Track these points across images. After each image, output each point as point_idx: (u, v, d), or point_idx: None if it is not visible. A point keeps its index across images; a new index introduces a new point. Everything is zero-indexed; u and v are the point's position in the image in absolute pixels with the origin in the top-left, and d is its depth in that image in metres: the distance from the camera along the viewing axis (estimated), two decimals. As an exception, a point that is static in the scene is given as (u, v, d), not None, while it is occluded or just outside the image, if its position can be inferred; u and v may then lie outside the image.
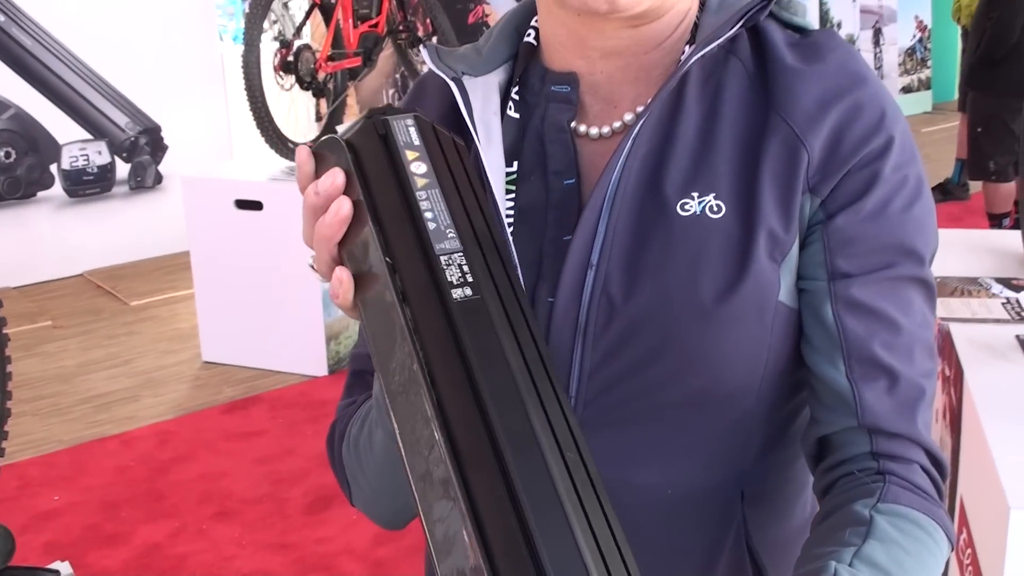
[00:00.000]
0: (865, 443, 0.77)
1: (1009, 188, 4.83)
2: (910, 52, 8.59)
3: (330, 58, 4.17)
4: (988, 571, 1.99)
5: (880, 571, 0.68)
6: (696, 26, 0.82)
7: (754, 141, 0.78)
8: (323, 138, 0.69)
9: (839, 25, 8.09)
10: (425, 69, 0.89)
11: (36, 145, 5.31)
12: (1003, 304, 2.64)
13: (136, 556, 2.95)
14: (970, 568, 2.16)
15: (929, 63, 8.66)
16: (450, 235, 0.63)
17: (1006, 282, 2.78)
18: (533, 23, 0.87)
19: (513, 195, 0.82)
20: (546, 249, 0.80)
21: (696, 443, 0.80)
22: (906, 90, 8.58)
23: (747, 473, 0.82)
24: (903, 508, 0.73)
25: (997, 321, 2.56)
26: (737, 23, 0.78)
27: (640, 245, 0.77)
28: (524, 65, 0.86)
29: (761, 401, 0.79)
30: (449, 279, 0.61)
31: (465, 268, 0.62)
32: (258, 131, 4.03)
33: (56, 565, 1.73)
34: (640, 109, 0.81)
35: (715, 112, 0.79)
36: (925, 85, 8.67)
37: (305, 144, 0.67)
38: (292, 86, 4.12)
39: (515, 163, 0.83)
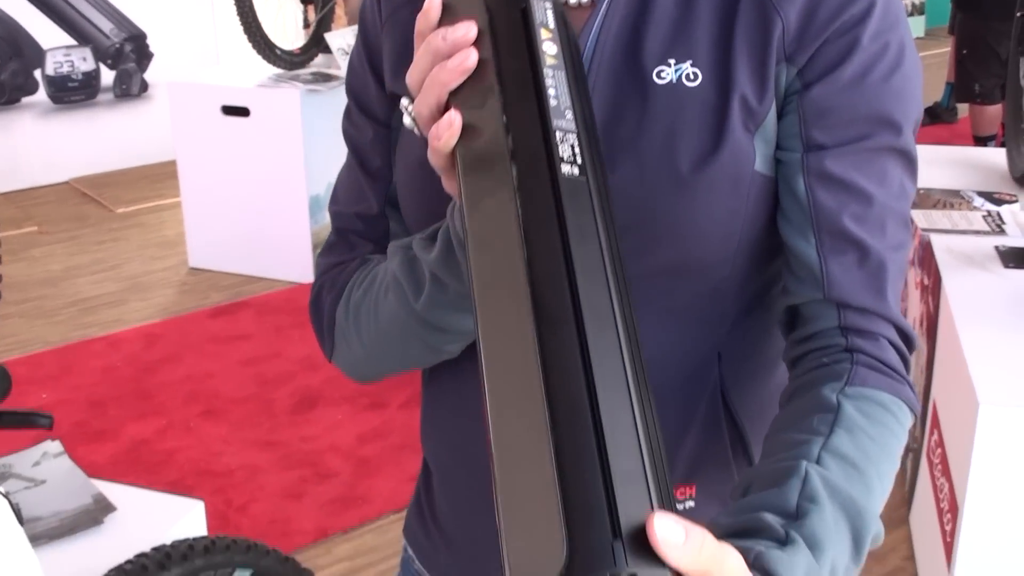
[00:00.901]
0: (833, 317, 0.77)
1: (995, 110, 4.83)
2: (905, -23, 8.51)
3: (319, -37, 4.12)
4: (956, 468, 2.05)
5: (847, 462, 0.68)
6: None
7: (730, 8, 0.77)
8: None
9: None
10: None
11: (20, 50, 5.25)
12: (984, 217, 2.68)
13: (124, 451, 3.00)
14: (939, 466, 2.23)
15: (923, -11, 8.59)
16: (568, 116, 0.64)
17: (988, 195, 2.81)
18: None
19: None
20: None
21: (673, 310, 0.81)
22: (899, 16, 8.50)
23: (724, 338, 0.84)
24: (869, 390, 0.74)
25: (977, 233, 2.60)
26: None
27: (617, 116, 0.77)
28: None
29: (737, 269, 0.80)
30: (561, 154, 0.62)
31: (576, 149, 0.63)
32: (245, 37, 3.99)
33: (46, 443, 1.76)
34: None
35: None
36: (919, 10, 8.60)
37: None
38: (280, -9, 4.07)
39: None
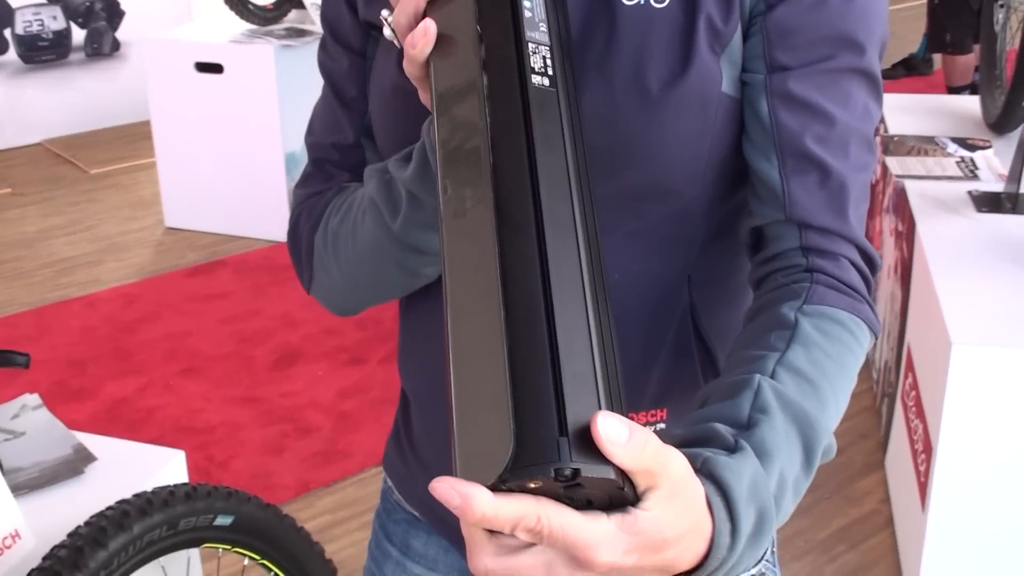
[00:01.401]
0: (794, 237, 0.78)
1: (967, 60, 4.84)
2: (881, -71, 8.47)
3: (291, -83, 4.07)
4: (930, 408, 2.07)
5: (801, 376, 0.69)
6: None
7: None
8: None
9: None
10: None
11: (-12, 8, 5.17)
12: (957, 163, 2.69)
13: (104, 409, 3.00)
14: (913, 408, 2.26)
15: (900, -59, 8.55)
16: (542, 28, 0.65)
17: (961, 141, 2.82)
18: None
19: None
20: None
21: (641, 231, 0.81)
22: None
23: (693, 261, 0.84)
24: (827, 308, 0.75)
25: (951, 178, 2.61)
26: None
27: (587, 37, 0.77)
28: None
29: (705, 191, 0.80)
30: (532, 65, 0.63)
31: (548, 61, 0.64)
32: (217, -9, 3.93)
33: (25, 396, 1.76)
34: None
35: None
36: (895, -36, 8.58)
37: None
38: (252, -55, 4.02)
39: None
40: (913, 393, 2.26)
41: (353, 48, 0.88)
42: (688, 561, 0.56)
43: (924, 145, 2.82)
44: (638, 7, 0.76)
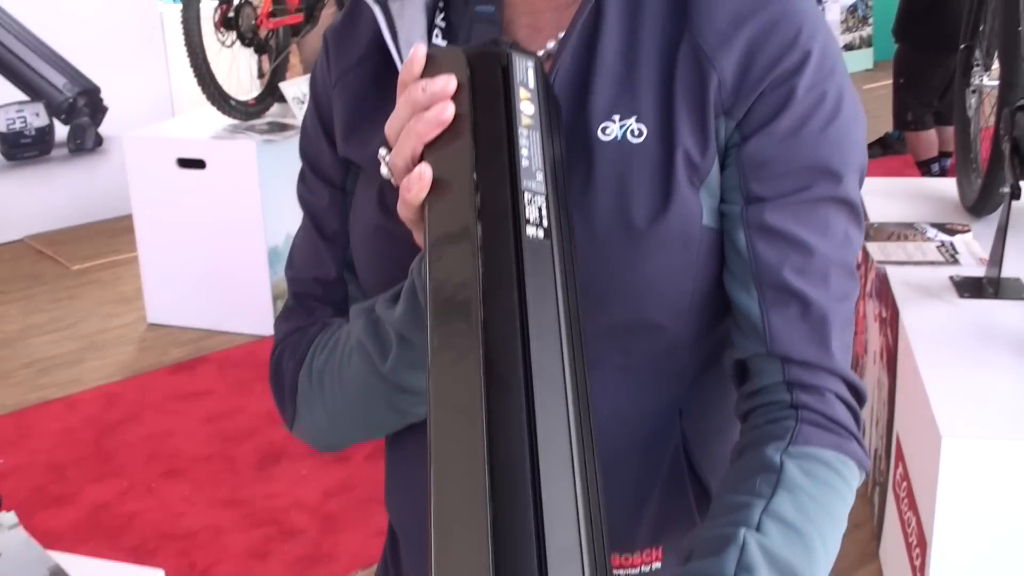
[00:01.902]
0: (778, 372, 0.77)
1: (929, 135, 5.05)
2: (852, 10, 8.66)
3: (271, 14, 4.12)
4: (922, 501, 2.05)
5: (788, 526, 0.68)
6: None
7: (670, 61, 0.77)
8: (445, 45, 0.71)
9: (782, -17, 8.13)
10: None
11: (-27, 108, 5.19)
12: (938, 247, 2.70)
13: (84, 516, 2.94)
14: (906, 500, 2.23)
15: (871, 20, 8.74)
16: (539, 177, 0.65)
17: (941, 226, 2.84)
18: None
19: None
20: None
21: (630, 367, 0.80)
22: (848, 47, 8.65)
23: (684, 394, 0.83)
24: (813, 449, 0.73)
25: (932, 263, 2.62)
26: None
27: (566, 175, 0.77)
28: None
29: (691, 325, 0.79)
30: (527, 215, 0.62)
31: (543, 211, 0.63)
32: (199, 88, 3.97)
33: (0, 515, 1.72)
34: (561, 35, 0.79)
35: (635, 30, 0.78)
36: (867, 43, 8.75)
37: (423, 44, 0.70)
38: (233, 43, 4.06)
39: None
40: (905, 484, 2.24)
41: (333, 183, 0.87)
42: None
43: (904, 231, 2.84)
44: (615, 143, 0.76)
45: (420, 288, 0.74)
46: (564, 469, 0.55)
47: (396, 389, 0.78)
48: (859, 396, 0.78)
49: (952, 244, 2.72)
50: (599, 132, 0.76)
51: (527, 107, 0.67)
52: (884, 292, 2.63)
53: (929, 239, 2.76)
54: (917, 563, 2.06)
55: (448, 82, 0.66)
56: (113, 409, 3.57)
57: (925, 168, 5.07)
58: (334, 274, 0.88)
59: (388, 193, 0.79)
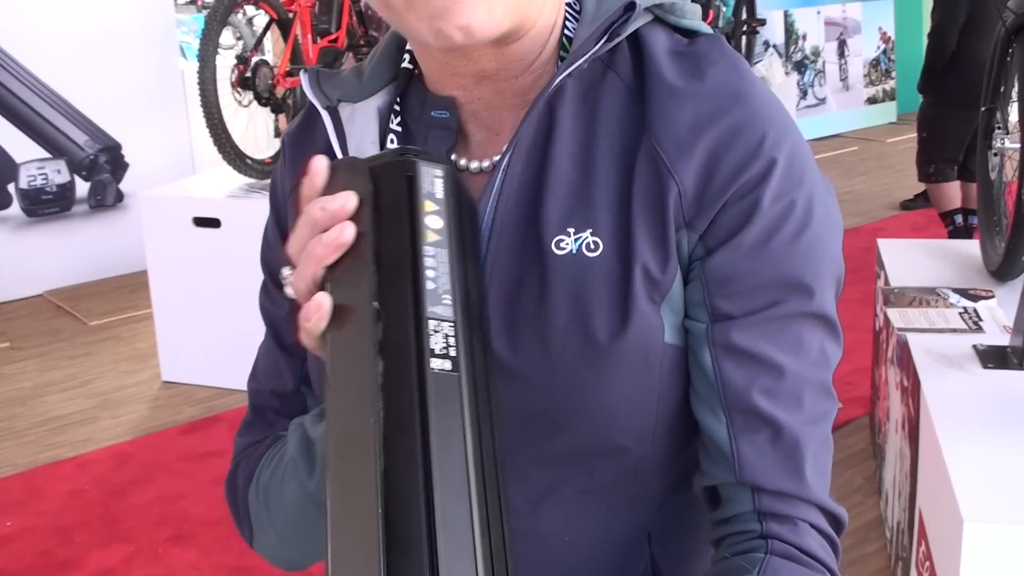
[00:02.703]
0: (748, 501, 0.72)
1: (951, 187, 5.00)
2: (875, 63, 8.64)
3: (289, 73, 4.13)
4: (945, 584, 1.97)
5: None
6: (568, 39, 0.76)
7: (628, 169, 0.72)
8: (345, 157, 0.67)
9: (804, 37, 8.12)
10: None
11: (-5, 165, 5.24)
12: (960, 314, 2.64)
13: (89, 582, 2.89)
14: (928, 581, 2.14)
15: (894, 74, 8.71)
16: (446, 301, 0.60)
17: (963, 292, 2.77)
18: (409, 47, 0.82)
19: None
20: None
21: (594, 490, 0.76)
22: (871, 101, 8.62)
23: (652, 517, 0.78)
24: None
25: (954, 331, 2.56)
26: (600, 38, 0.72)
27: (518, 290, 0.72)
28: (404, 88, 0.81)
29: (656, 448, 0.74)
30: (432, 346, 0.58)
31: (451, 340, 0.59)
32: (215, 148, 3.98)
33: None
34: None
35: (591, 136, 0.73)
36: (890, 96, 8.72)
37: (323, 157, 0.66)
38: (250, 102, 4.08)
39: None
40: (928, 564, 2.16)
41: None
42: None
43: (926, 296, 2.77)
44: (570, 256, 0.71)
45: (319, 438, 0.70)
46: None
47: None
48: (838, 524, 0.73)
49: (975, 311, 2.65)
50: (553, 246, 0.71)
51: (434, 221, 0.62)
52: (905, 360, 2.56)
53: (952, 305, 2.70)
54: (941, 649, 1.97)
55: (347, 200, 0.61)
56: (123, 470, 3.53)
57: (948, 219, 5.05)
58: (291, 386, 0.85)
59: None
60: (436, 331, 0.59)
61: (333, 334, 0.61)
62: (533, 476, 0.75)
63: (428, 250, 0.61)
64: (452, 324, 0.59)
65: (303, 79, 0.81)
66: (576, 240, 0.72)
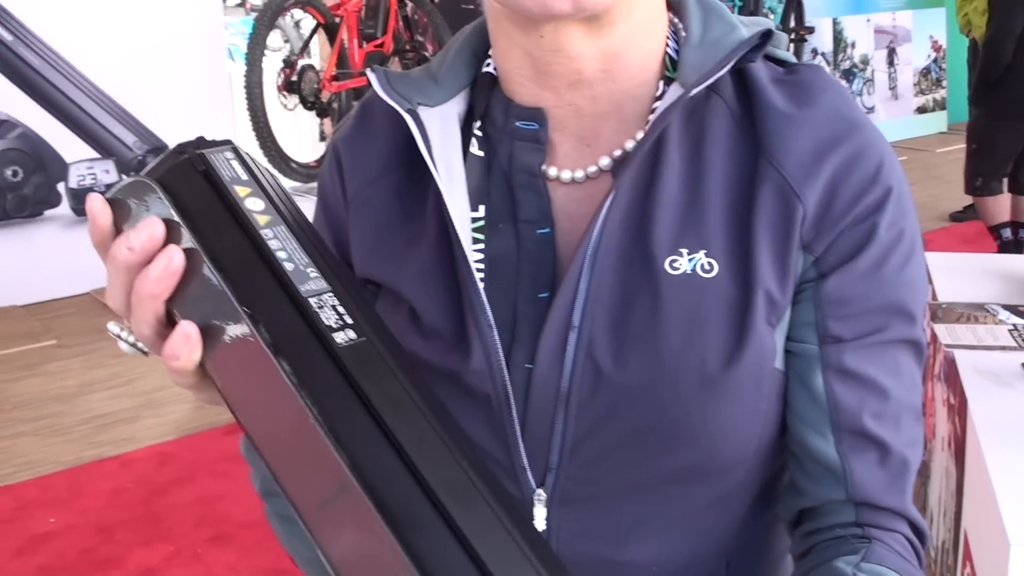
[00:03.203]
0: (851, 514, 0.73)
1: (998, 200, 4.94)
2: (925, 72, 8.53)
3: (335, 78, 4.17)
4: (990, 608, 1.93)
5: None
6: (671, 59, 0.76)
7: (744, 191, 0.72)
8: (121, 183, 0.59)
9: (853, 45, 8.04)
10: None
11: (43, 164, 5.32)
12: (1010, 331, 2.59)
13: (129, 581, 2.92)
14: (973, 604, 2.11)
15: (944, 83, 8.60)
16: (312, 274, 0.56)
17: (1013, 308, 2.72)
18: (491, 51, 0.79)
19: (481, 245, 0.75)
20: (521, 308, 0.73)
21: (684, 517, 0.75)
22: (921, 110, 8.51)
23: (731, 543, 0.78)
24: (886, 570, 0.69)
25: (1003, 348, 2.51)
26: (731, 63, 0.71)
27: (626, 306, 0.71)
28: (486, 95, 0.79)
29: (751, 472, 0.75)
30: (326, 322, 0.54)
31: (340, 309, 0.55)
32: (260, 151, 4.01)
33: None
34: (618, 153, 0.75)
35: (699, 158, 0.73)
36: (940, 105, 8.60)
37: (96, 192, 0.59)
38: (296, 106, 4.11)
39: (481, 207, 0.76)
40: (972, 586, 2.12)
41: None
42: None
43: (974, 312, 2.73)
44: (684, 277, 0.71)
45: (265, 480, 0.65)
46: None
47: (276, 516, 0.79)
48: (923, 538, 0.75)
49: (1025, 328, 2.61)
50: (667, 266, 0.71)
51: (254, 203, 0.57)
52: (952, 377, 2.52)
53: (1001, 322, 2.65)
54: (985, 674, 1.94)
55: (152, 226, 0.57)
56: (165, 469, 3.57)
57: (996, 233, 4.97)
58: None
59: (424, 314, 0.74)
60: (321, 307, 0.55)
61: (212, 361, 0.56)
62: (625, 505, 0.74)
63: (267, 233, 0.56)
64: (332, 293, 0.55)
65: (372, 79, 0.78)
66: (691, 260, 0.71)
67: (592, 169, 0.75)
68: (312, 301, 0.55)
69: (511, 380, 0.72)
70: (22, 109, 5.16)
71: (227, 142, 0.61)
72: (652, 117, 0.73)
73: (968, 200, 5.91)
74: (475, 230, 0.75)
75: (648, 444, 0.71)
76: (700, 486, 0.74)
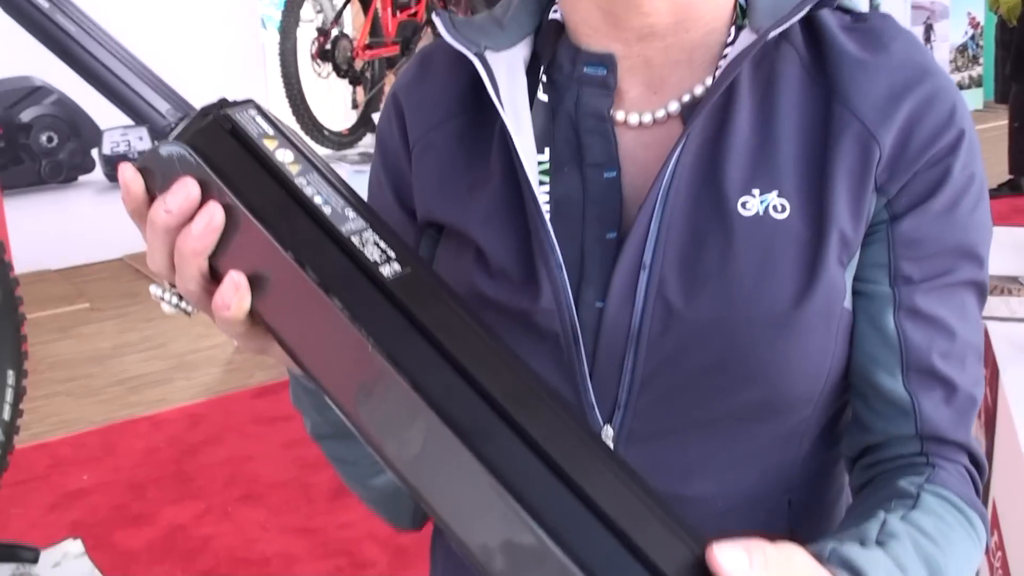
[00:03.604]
0: (917, 446, 0.75)
1: None
2: (962, 49, 8.43)
3: (368, 46, 4.17)
4: (1018, 572, 1.93)
5: (927, 537, 0.66)
6: (740, 6, 0.77)
7: (818, 135, 0.73)
8: (150, 149, 0.61)
9: (888, 21, 7.96)
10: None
11: (78, 130, 5.37)
12: (1044, 303, 2.57)
13: (161, 537, 2.96)
14: (1000, 571, 2.10)
15: (981, 60, 8.50)
16: (351, 215, 0.57)
17: (1047, 281, 2.70)
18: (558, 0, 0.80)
19: (546, 188, 0.76)
20: (588, 248, 0.74)
21: (750, 453, 0.76)
22: (958, 87, 8.43)
23: (794, 480, 0.78)
24: (950, 493, 0.71)
25: (1036, 320, 2.49)
26: (808, 6, 0.72)
27: (698, 246, 0.72)
28: (551, 42, 0.79)
29: (816, 410, 0.75)
30: (371, 258, 0.55)
31: (382, 244, 0.56)
32: (294, 118, 4.03)
33: (68, 543, 1.73)
34: (687, 98, 0.75)
35: (770, 102, 0.74)
36: (976, 83, 8.51)
37: (127, 161, 0.61)
38: (329, 74, 4.12)
39: (545, 151, 0.77)
40: (999, 554, 2.12)
41: None
42: None
43: (1008, 284, 2.71)
44: (756, 218, 0.72)
45: (325, 405, 0.64)
46: (603, 473, 0.51)
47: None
48: (982, 471, 0.77)
49: (1059, 300, 2.58)
50: (739, 207, 0.72)
51: (284, 155, 0.59)
52: (985, 348, 2.51)
53: (1034, 294, 2.63)
54: (1011, 641, 1.94)
55: (187, 187, 0.58)
56: (196, 430, 3.61)
57: None
58: None
59: (492, 255, 0.75)
60: (364, 244, 0.56)
61: (265, 307, 0.57)
62: (692, 442, 0.75)
63: (300, 181, 0.58)
64: (372, 230, 0.57)
65: (438, 22, 0.79)
66: (762, 201, 0.72)
67: (660, 114, 0.76)
68: (354, 239, 0.56)
69: (580, 319, 0.73)
70: (58, 76, 5.20)
71: (249, 101, 0.63)
72: (723, 63, 0.73)
73: (1003, 177, 5.85)
74: (540, 173, 0.76)
75: (717, 381, 0.72)
76: (766, 424, 0.74)
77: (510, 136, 0.73)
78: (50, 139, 5.28)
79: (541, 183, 0.75)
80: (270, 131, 0.60)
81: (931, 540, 0.66)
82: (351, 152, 4.24)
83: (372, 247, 0.56)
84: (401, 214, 0.83)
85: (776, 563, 0.49)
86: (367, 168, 4.31)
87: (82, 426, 3.67)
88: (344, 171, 3.98)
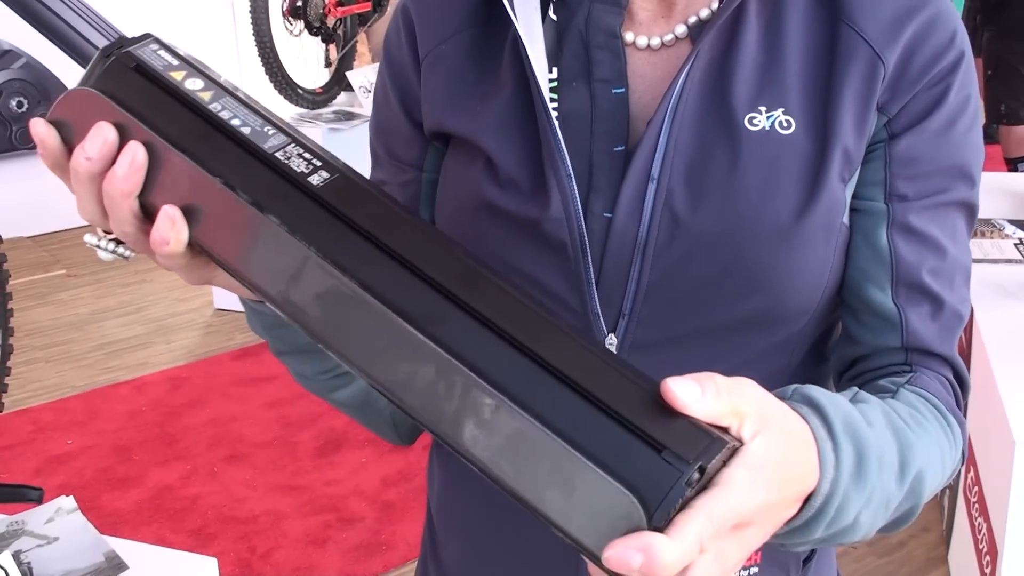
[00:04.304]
0: (901, 357, 0.77)
1: (1022, 131, 4.73)
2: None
3: (339, 3, 4.14)
4: (994, 507, 1.98)
5: (899, 417, 0.68)
6: None
7: (825, 55, 0.75)
8: (57, 100, 0.60)
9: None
10: None
11: (48, 95, 5.28)
12: (1016, 245, 2.61)
13: (148, 497, 2.98)
14: (976, 505, 2.16)
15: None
16: (271, 132, 0.58)
17: (1020, 223, 2.74)
18: None
19: (555, 104, 0.77)
20: (597, 160, 0.76)
21: (745, 363, 0.78)
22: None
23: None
24: (930, 395, 0.74)
25: (1009, 261, 2.54)
26: None
27: (704, 159, 0.74)
28: None
29: (811, 321, 0.78)
30: (298, 169, 0.57)
31: (306, 155, 0.58)
32: (267, 77, 4.00)
33: (60, 499, 1.74)
34: (693, 20, 0.77)
35: (777, 21, 0.76)
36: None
37: (37, 117, 0.60)
38: (301, 32, 4.08)
39: (554, 70, 0.78)
40: (976, 489, 2.17)
41: (409, 162, 0.85)
42: (812, 473, 0.57)
43: (981, 227, 2.74)
44: (763, 133, 0.74)
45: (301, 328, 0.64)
46: (559, 338, 0.53)
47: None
48: (964, 386, 0.79)
49: (1031, 241, 2.63)
50: (746, 122, 0.74)
51: (193, 83, 0.59)
52: (958, 290, 2.55)
53: (1007, 236, 2.67)
54: (988, 570, 1.99)
55: (103, 130, 0.59)
56: (179, 392, 3.62)
57: (1012, 166, 4.83)
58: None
59: (502, 164, 0.77)
60: (288, 158, 0.57)
61: (204, 235, 0.58)
62: (692, 350, 0.77)
63: (215, 106, 0.59)
64: (293, 143, 0.58)
65: None
66: (769, 117, 0.74)
67: (668, 37, 0.78)
68: (279, 155, 0.57)
69: (588, 228, 0.75)
70: (25, 39, 5.12)
71: (148, 35, 0.62)
72: None
73: None
74: (549, 91, 0.77)
75: (720, 290, 0.74)
76: (764, 333, 0.77)
77: (523, 46, 0.75)
78: (19, 104, 5.20)
79: (551, 99, 0.77)
80: (175, 62, 0.60)
81: (903, 420, 0.69)
82: (326, 111, 4.21)
83: (297, 159, 0.57)
84: (408, 126, 0.84)
85: (727, 390, 0.51)
86: (342, 126, 4.27)
87: (64, 392, 3.67)
88: (319, 130, 3.96)
